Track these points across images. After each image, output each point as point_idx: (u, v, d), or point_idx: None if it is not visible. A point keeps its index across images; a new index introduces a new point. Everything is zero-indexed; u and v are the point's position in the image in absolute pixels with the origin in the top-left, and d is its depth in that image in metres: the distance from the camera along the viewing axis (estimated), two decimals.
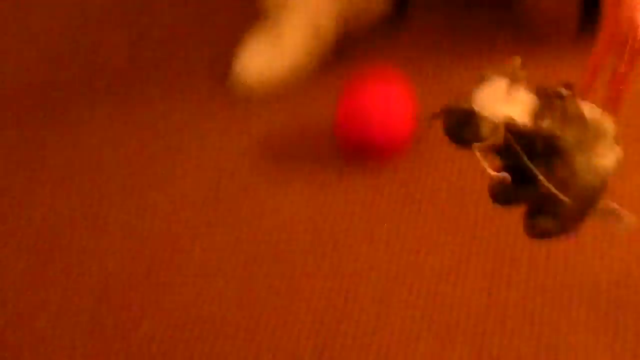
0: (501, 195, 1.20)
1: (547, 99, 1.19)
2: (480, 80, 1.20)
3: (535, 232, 1.22)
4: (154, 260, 1.96)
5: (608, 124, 1.24)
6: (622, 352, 1.69)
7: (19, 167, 2.21)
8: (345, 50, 2.37)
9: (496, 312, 1.79)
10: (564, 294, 1.81)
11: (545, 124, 1.16)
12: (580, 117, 1.19)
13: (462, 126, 1.16)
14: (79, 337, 1.81)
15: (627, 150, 1.29)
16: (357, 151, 2.13)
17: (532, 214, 1.21)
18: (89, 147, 2.24)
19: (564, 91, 1.19)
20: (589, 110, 1.20)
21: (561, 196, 1.16)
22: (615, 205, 1.23)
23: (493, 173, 1.17)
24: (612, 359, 1.68)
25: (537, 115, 1.17)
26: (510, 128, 1.14)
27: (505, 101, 1.17)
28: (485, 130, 1.14)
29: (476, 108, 1.15)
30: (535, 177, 1.15)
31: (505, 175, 1.17)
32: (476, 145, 1.14)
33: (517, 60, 1.21)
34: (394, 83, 2.11)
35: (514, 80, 1.19)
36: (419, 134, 2.14)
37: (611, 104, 1.42)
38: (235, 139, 2.24)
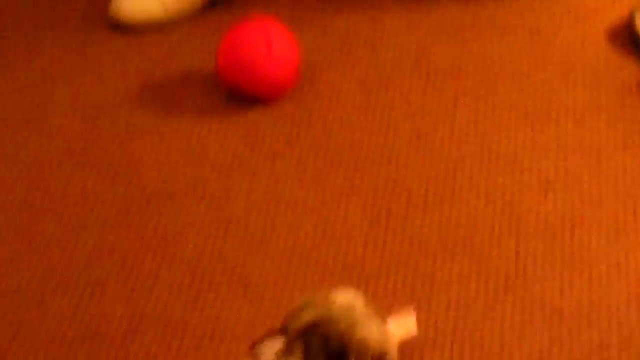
0: None
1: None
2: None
3: None
4: (20, 204, 1.92)
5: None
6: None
7: None
8: None
9: (373, 257, 1.80)
10: (439, 242, 1.83)
11: None
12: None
13: None
14: None
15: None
16: (239, 93, 2.13)
17: None
18: None
19: None
20: None
21: None
22: None
23: None
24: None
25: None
26: None
27: None
28: None
29: None
30: None
31: None
32: None
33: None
34: (275, 28, 2.11)
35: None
36: (301, 80, 2.16)
37: None
38: (113, 79, 2.21)
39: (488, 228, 1.86)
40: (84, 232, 1.87)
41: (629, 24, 2.27)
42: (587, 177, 1.96)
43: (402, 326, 1.62)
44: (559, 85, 2.16)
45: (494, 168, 1.98)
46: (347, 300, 1.56)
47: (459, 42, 2.27)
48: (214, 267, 1.80)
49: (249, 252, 1.82)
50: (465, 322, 1.69)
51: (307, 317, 1.53)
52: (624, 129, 2.05)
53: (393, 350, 1.56)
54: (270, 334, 1.53)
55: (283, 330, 1.52)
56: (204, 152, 2.02)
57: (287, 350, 1.49)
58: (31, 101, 2.15)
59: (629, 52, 2.23)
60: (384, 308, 1.71)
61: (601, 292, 1.73)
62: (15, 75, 2.23)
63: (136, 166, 2.00)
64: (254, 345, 1.53)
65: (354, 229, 1.86)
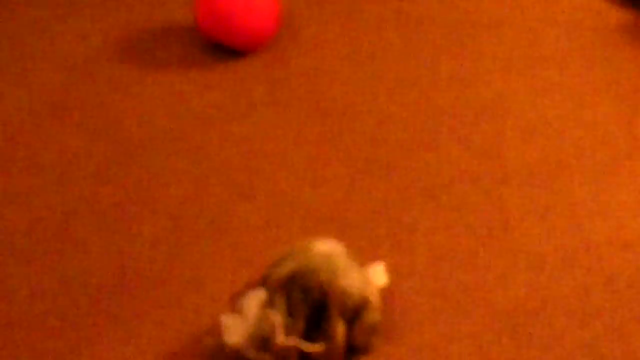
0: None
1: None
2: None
3: None
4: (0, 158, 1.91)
5: None
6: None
7: None
8: None
9: (355, 206, 1.80)
10: (422, 190, 1.83)
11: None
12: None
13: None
14: None
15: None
16: (219, 43, 2.11)
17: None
18: None
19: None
20: None
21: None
22: None
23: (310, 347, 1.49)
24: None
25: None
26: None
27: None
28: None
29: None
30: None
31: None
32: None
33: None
34: None
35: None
36: (281, 30, 2.14)
37: None
38: (93, 33, 2.19)
39: (471, 175, 1.85)
40: (65, 185, 1.86)
41: None
42: (569, 123, 1.95)
43: (373, 275, 1.62)
44: (540, 32, 2.15)
45: (476, 116, 1.97)
46: (327, 250, 1.56)
47: None
48: (196, 218, 1.79)
49: (230, 202, 1.82)
50: (449, 269, 1.69)
51: (287, 268, 1.53)
52: (605, 74, 2.04)
53: (375, 298, 1.56)
54: (251, 285, 1.53)
55: (264, 282, 1.52)
56: (185, 104, 2.01)
57: (269, 301, 1.50)
58: (11, 55, 2.13)
59: None
60: (367, 257, 1.71)
61: (583, 236, 1.74)
62: None
63: (117, 119, 1.99)
64: (235, 297, 1.53)
65: (335, 178, 1.86)
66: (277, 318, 1.47)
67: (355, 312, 1.54)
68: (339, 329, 1.52)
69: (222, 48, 2.12)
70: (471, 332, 1.60)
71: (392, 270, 1.69)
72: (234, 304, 1.53)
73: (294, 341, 1.48)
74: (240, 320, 1.49)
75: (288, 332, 1.48)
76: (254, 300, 1.50)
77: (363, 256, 1.71)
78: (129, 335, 1.60)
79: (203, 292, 1.67)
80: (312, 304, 1.51)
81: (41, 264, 1.72)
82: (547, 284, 1.66)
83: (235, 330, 1.49)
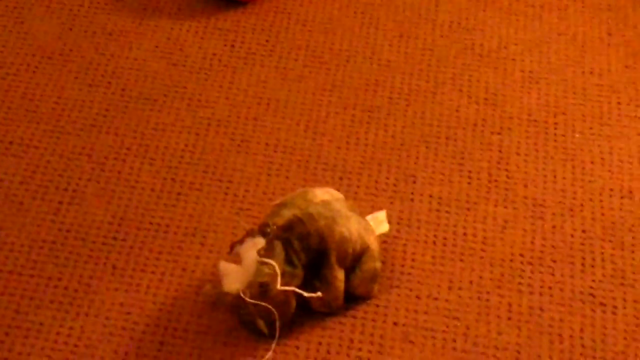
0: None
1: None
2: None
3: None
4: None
5: None
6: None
7: None
8: None
9: (355, 155, 1.79)
10: (422, 139, 1.82)
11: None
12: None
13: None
14: None
15: None
16: None
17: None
18: None
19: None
20: None
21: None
22: None
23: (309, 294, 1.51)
24: None
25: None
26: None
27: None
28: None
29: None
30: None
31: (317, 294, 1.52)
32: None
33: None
34: None
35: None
36: None
37: None
38: None
39: (471, 124, 1.84)
40: (63, 136, 1.85)
41: None
42: (570, 70, 1.93)
43: (375, 223, 1.61)
44: None
45: (476, 64, 1.95)
46: (326, 198, 1.55)
47: None
48: (195, 168, 1.78)
49: (229, 152, 1.81)
50: (448, 218, 1.69)
51: (286, 216, 1.52)
52: (608, 21, 2.02)
53: (375, 246, 1.56)
54: (250, 234, 1.53)
55: (263, 230, 1.51)
56: (183, 54, 1.99)
57: (268, 249, 1.49)
58: (6, 7, 2.11)
59: None
60: (366, 206, 1.70)
61: (584, 184, 1.73)
62: None
63: (114, 69, 1.97)
64: (234, 246, 1.53)
65: (335, 128, 1.85)
66: (276, 266, 1.47)
67: (354, 260, 1.54)
68: (338, 277, 1.52)
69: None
70: (471, 281, 1.60)
71: (392, 219, 1.69)
72: (232, 252, 1.52)
73: (292, 288, 1.48)
74: (239, 269, 1.49)
75: (287, 279, 1.48)
76: (253, 248, 1.49)
77: (362, 205, 1.71)
78: (128, 285, 1.60)
79: (202, 242, 1.66)
80: (311, 251, 1.50)
81: (40, 214, 1.71)
82: (547, 232, 1.66)
83: (234, 279, 1.48)
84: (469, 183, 1.74)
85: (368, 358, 1.51)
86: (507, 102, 1.87)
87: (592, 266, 1.61)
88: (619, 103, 1.86)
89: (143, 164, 1.79)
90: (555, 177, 1.74)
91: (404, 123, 1.85)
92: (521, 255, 1.63)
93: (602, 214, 1.67)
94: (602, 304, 1.56)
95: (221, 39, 2.02)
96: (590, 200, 1.70)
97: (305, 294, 1.50)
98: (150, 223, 1.69)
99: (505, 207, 1.70)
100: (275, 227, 1.50)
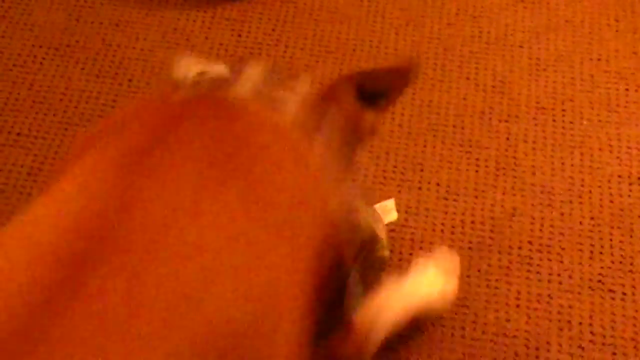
0: None
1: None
2: None
3: None
4: (5, 101, 1.90)
5: None
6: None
7: None
8: None
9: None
10: (429, 127, 1.82)
11: None
12: None
13: None
14: None
15: None
16: None
17: None
18: None
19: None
20: None
21: None
22: None
23: None
24: None
25: None
26: None
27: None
28: None
29: None
30: None
31: None
32: None
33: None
34: None
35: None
36: None
37: None
38: None
39: (478, 111, 1.84)
40: (71, 127, 1.85)
41: None
42: (578, 57, 1.93)
43: (383, 211, 1.61)
44: None
45: (484, 51, 1.95)
46: None
47: None
48: None
49: None
50: (456, 206, 1.68)
51: None
52: (615, 8, 2.01)
53: (383, 235, 1.56)
54: None
55: None
56: (190, 44, 1.99)
57: None
58: None
59: None
60: (374, 195, 1.70)
61: (592, 171, 1.72)
62: None
63: (121, 60, 1.97)
64: None
65: None
66: None
67: (363, 249, 1.54)
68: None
69: None
70: (479, 269, 1.60)
71: (400, 208, 1.68)
72: None
73: None
74: None
75: None
76: None
77: (370, 194, 1.71)
78: None
79: None
80: None
81: None
82: (556, 220, 1.65)
83: None
84: (476, 171, 1.74)
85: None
86: (514, 90, 1.87)
87: (601, 253, 1.61)
88: (627, 89, 1.86)
89: None
90: (563, 164, 1.74)
91: (411, 112, 1.85)
92: (529, 242, 1.63)
93: (611, 201, 1.67)
94: (611, 290, 1.56)
95: (228, 29, 2.02)
96: (599, 187, 1.69)
97: None
98: None
99: (514, 195, 1.69)
100: None
